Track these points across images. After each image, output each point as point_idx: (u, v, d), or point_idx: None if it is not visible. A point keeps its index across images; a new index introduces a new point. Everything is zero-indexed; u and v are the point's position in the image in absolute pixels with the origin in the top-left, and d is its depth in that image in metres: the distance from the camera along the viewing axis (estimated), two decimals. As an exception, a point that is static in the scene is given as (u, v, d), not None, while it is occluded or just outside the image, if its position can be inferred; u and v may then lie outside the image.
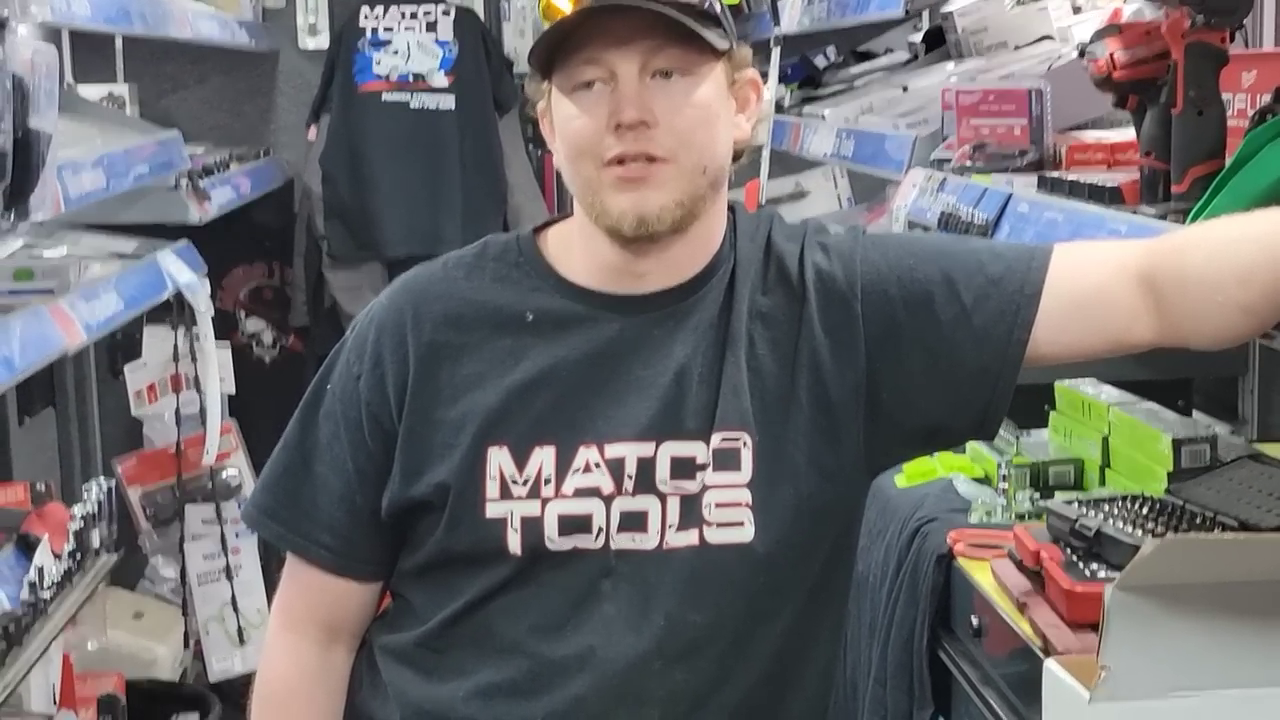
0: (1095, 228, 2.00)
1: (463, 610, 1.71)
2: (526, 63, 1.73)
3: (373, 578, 1.80)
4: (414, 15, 5.14)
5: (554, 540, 1.68)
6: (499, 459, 1.68)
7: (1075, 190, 2.19)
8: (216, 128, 5.38)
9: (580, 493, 1.68)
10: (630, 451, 1.68)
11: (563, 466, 1.68)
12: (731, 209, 1.78)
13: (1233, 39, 1.93)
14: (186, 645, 4.11)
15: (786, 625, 1.72)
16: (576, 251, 1.74)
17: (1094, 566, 1.93)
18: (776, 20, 4.18)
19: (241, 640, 4.17)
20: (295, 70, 5.48)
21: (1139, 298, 1.63)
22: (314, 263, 5.21)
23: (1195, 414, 2.86)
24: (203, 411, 4.01)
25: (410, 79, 5.10)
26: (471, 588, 1.71)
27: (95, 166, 3.00)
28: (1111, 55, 1.99)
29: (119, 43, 5.14)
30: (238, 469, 4.28)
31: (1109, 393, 2.56)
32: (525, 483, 1.68)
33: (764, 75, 4.16)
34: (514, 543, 1.68)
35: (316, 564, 1.78)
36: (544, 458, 1.68)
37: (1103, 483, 2.46)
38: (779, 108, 4.26)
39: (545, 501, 1.68)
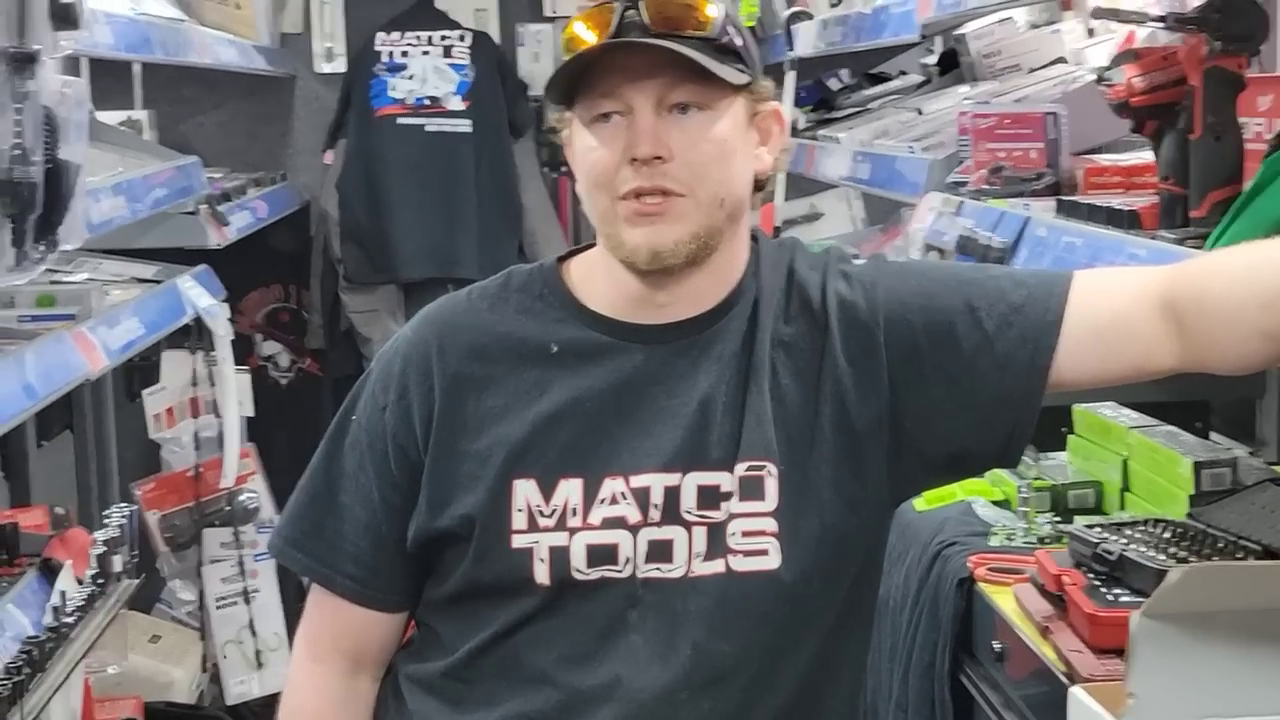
0: (1114, 252, 2.01)
1: (490, 641, 1.72)
2: (544, 93, 1.74)
3: (398, 608, 1.80)
4: (430, 40, 5.17)
5: (582, 571, 1.68)
6: (525, 491, 1.69)
7: (1094, 214, 2.20)
8: (233, 152, 5.42)
9: (607, 523, 1.68)
10: (656, 481, 1.68)
11: (589, 497, 1.69)
12: (755, 238, 1.79)
13: (1250, 64, 1.94)
14: (204, 669, 4.11)
15: (812, 653, 1.72)
16: (600, 281, 1.75)
17: (1117, 591, 1.94)
18: (791, 44, 4.20)
19: (259, 663, 4.18)
20: (312, 94, 5.51)
21: (1160, 324, 1.64)
22: (330, 286, 5.23)
23: (1213, 436, 2.86)
24: (221, 435, 4.03)
25: (426, 103, 5.13)
26: (499, 618, 1.71)
27: (115, 192, 3.02)
28: (1130, 81, 2.00)
29: (137, 68, 5.18)
30: (256, 492, 4.29)
31: (1128, 415, 2.56)
32: (552, 514, 1.69)
33: (778, 98, 4.18)
34: (541, 573, 1.69)
35: (342, 594, 1.79)
36: (570, 489, 1.69)
37: (1122, 506, 2.46)
38: (793, 130, 4.27)
39: (573, 532, 1.68)
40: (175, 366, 4.16)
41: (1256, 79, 2.26)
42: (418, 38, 5.17)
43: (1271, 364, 1.57)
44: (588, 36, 1.68)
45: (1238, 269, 1.58)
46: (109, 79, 5.00)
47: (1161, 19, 2.00)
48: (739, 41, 1.71)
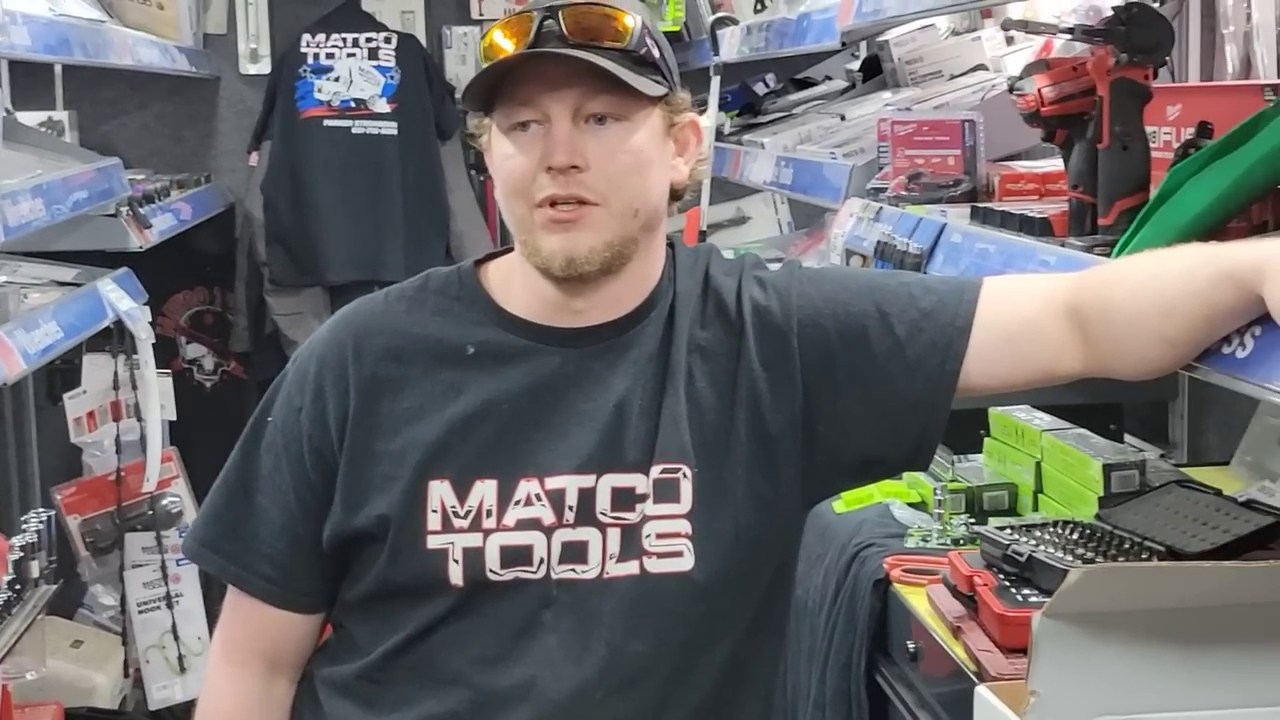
0: (1025, 259, 2.04)
1: (404, 642, 1.73)
2: (462, 99, 1.75)
3: (314, 609, 1.81)
4: (356, 42, 5.15)
5: (496, 571, 1.69)
6: (440, 492, 1.70)
7: (1006, 221, 2.24)
8: (157, 153, 5.37)
9: (522, 524, 1.70)
10: (571, 483, 1.70)
11: (504, 499, 1.70)
12: (671, 244, 1.81)
13: (1156, 75, 1.98)
14: (126, 674, 4.08)
15: (727, 654, 1.74)
16: (517, 285, 1.77)
17: (1026, 591, 1.98)
18: (716, 49, 4.22)
19: (182, 668, 4.15)
20: (237, 96, 5.47)
21: (1066, 330, 1.67)
22: (255, 288, 5.20)
23: (1127, 438, 2.91)
24: (143, 439, 4.00)
25: (352, 105, 5.11)
26: (413, 619, 1.72)
27: (34, 194, 2.99)
28: (1040, 91, 2.03)
29: (58, 69, 5.13)
30: (178, 496, 4.26)
31: (1042, 419, 2.61)
32: (467, 515, 1.70)
33: (704, 103, 4.21)
34: (456, 574, 1.70)
35: (258, 596, 1.79)
36: (485, 490, 1.70)
37: (1036, 508, 2.50)
38: (719, 135, 4.30)
39: (487, 533, 1.70)
40: (96, 370, 4.12)
41: (1165, 89, 2.31)
42: (343, 39, 5.15)
43: (1173, 369, 1.60)
44: (505, 45, 1.69)
45: (1140, 277, 1.61)
46: (29, 79, 4.95)
47: (1069, 31, 2.03)
48: (656, 53, 1.72)
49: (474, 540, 1.70)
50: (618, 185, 1.68)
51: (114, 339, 3.95)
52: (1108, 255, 1.85)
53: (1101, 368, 1.67)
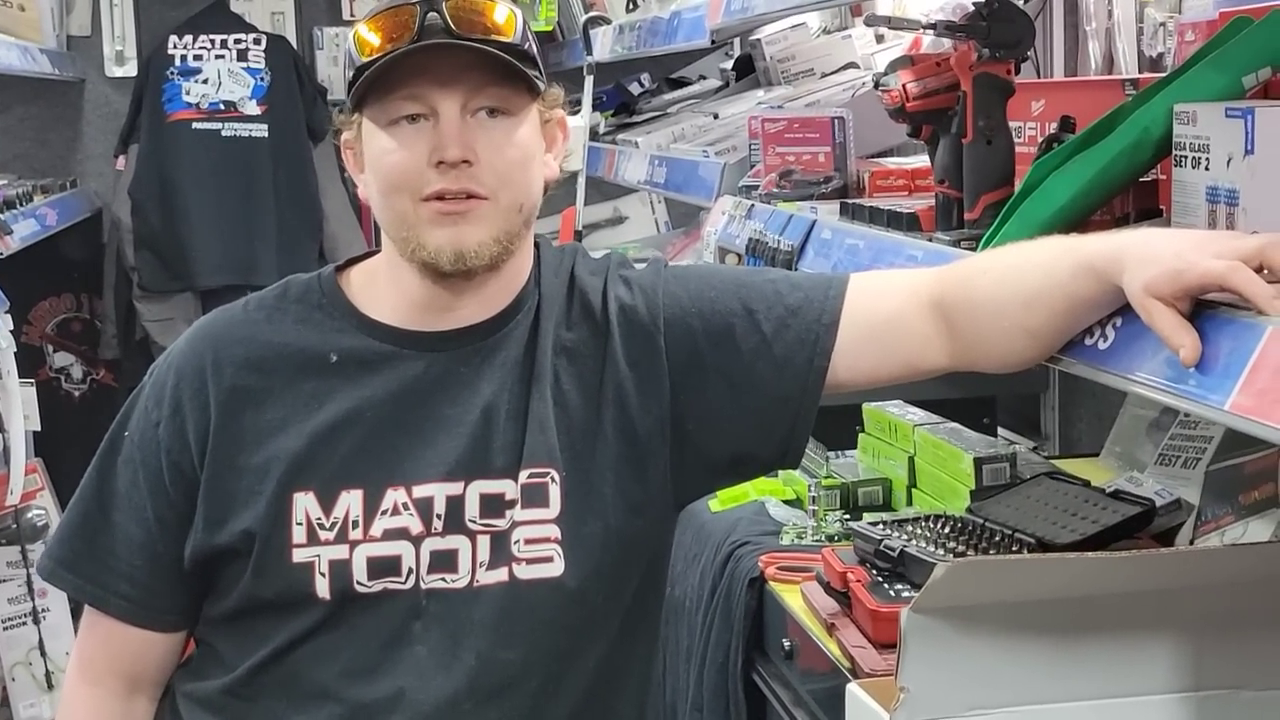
0: (894, 254, 2.04)
1: (271, 656, 1.69)
2: (347, 93, 1.70)
3: (175, 627, 1.76)
4: (224, 43, 5.07)
5: (363, 583, 1.66)
6: (305, 504, 1.66)
7: (875, 217, 2.24)
8: (20, 157, 5.25)
9: (389, 534, 1.66)
10: (438, 491, 1.67)
11: (370, 509, 1.66)
12: (536, 244, 1.78)
13: (1018, 70, 1.99)
14: (-8, 692, 3.98)
15: (599, 659, 1.72)
16: (382, 289, 1.73)
17: (899, 587, 1.98)
18: (589, 48, 4.21)
19: (50, 685, 4.05)
20: (103, 99, 5.36)
21: (931, 324, 1.67)
22: (124, 294, 5.09)
23: (1001, 431, 2.94)
24: (5, 451, 3.89)
25: (221, 107, 5.02)
26: (280, 634, 1.68)
27: (-115, 201, 2.90)
28: (904, 86, 2.03)
29: (-86, 71, 4.98)
30: (44, 509, 4.15)
31: (915, 413, 2.62)
32: (332, 527, 1.66)
33: (578, 102, 4.19)
34: (322, 587, 1.66)
35: (116, 615, 1.74)
36: (351, 501, 1.66)
37: (910, 502, 2.51)
38: (594, 135, 4.28)
39: (354, 545, 1.66)
40: (-44, 380, 4.00)
41: (1029, 84, 2.33)
42: (211, 41, 5.06)
43: (1037, 361, 1.61)
44: (374, 40, 1.65)
45: (1002, 269, 1.62)
46: (-117, 83, 4.81)
47: (932, 26, 2.04)
48: (534, 49, 1.71)
49: (340, 552, 1.66)
50: (506, 180, 1.66)
51: (-27, 348, 3.83)
52: (974, 249, 1.86)
53: (966, 360, 1.68)
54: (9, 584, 4.03)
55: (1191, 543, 2.11)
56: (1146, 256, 1.40)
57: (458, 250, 1.64)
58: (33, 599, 4.02)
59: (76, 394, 5.39)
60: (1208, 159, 1.52)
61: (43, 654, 4.03)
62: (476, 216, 1.65)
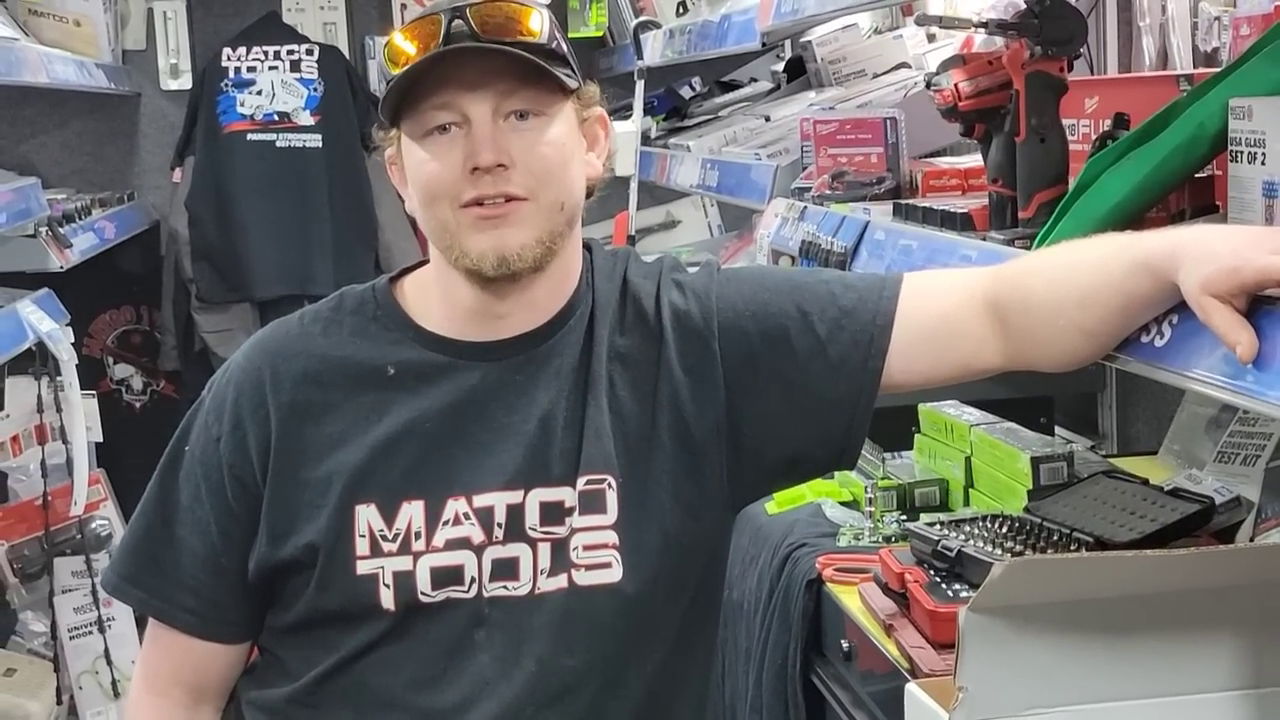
0: (948, 253, 2.04)
1: (336, 666, 1.70)
2: (379, 110, 1.72)
3: (239, 638, 1.78)
4: (278, 55, 5.11)
5: (427, 593, 1.67)
6: (367, 516, 1.67)
7: (928, 217, 2.24)
8: (78, 172, 5.31)
9: (451, 544, 1.67)
10: (499, 500, 1.68)
11: (432, 520, 1.67)
12: (588, 247, 1.79)
13: (1071, 68, 1.98)
14: (60, 701, 4.02)
15: (657, 664, 1.72)
16: (434, 299, 1.74)
17: (956, 587, 1.97)
18: (640, 53, 4.21)
19: (116, 693, 4.10)
20: (158, 112, 5.41)
21: (986, 324, 1.67)
22: (183, 306, 5.14)
23: (1058, 431, 2.92)
24: (69, 461, 3.94)
25: (276, 118, 5.06)
26: (345, 644, 1.69)
27: (-51, 217, 2.94)
28: (956, 86, 2.03)
29: (-27, 89, 5.05)
30: (108, 519, 4.21)
31: (970, 413, 2.61)
32: (395, 538, 1.67)
33: (630, 107, 4.20)
34: (387, 598, 1.67)
35: (181, 628, 1.76)
36: (413, 512, 1.67)
37: (967, 502, 2.50)
38: (645, 139, 4.29)
39: (417, 556, 1.67)
40: (20, 393, 4.06)
41: (1082, 82, 2.32)
42: (265, 52, 5.10)
43: (1092, 360, 1.60)
44: (410, 49, 1.67)
45: (1056, 268, 1.61)
46: (-55, 100, 4.88)
47: (984, 25, 2.03)
48: (565, 47, 1.71)
49: (404, 563, 1.67)
50: (543, 179, 1.66)
51: (36, 361, 3.89)
52: (1028, 248, 1.85)
53: (1022, 360, 1.67)
54: (74, 594, 4.08)
55: (1252, 540, 2.09)
56: (1202, 253, 1.39)
57: (500, 254, 1.65)
58: (98, 608, 4.07)
59: (137, 405, 5.44)
60: (1264, 154, 1.51)
61: (109, 662, 4.09)
62: (517, 219, 1.65)
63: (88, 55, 4.75)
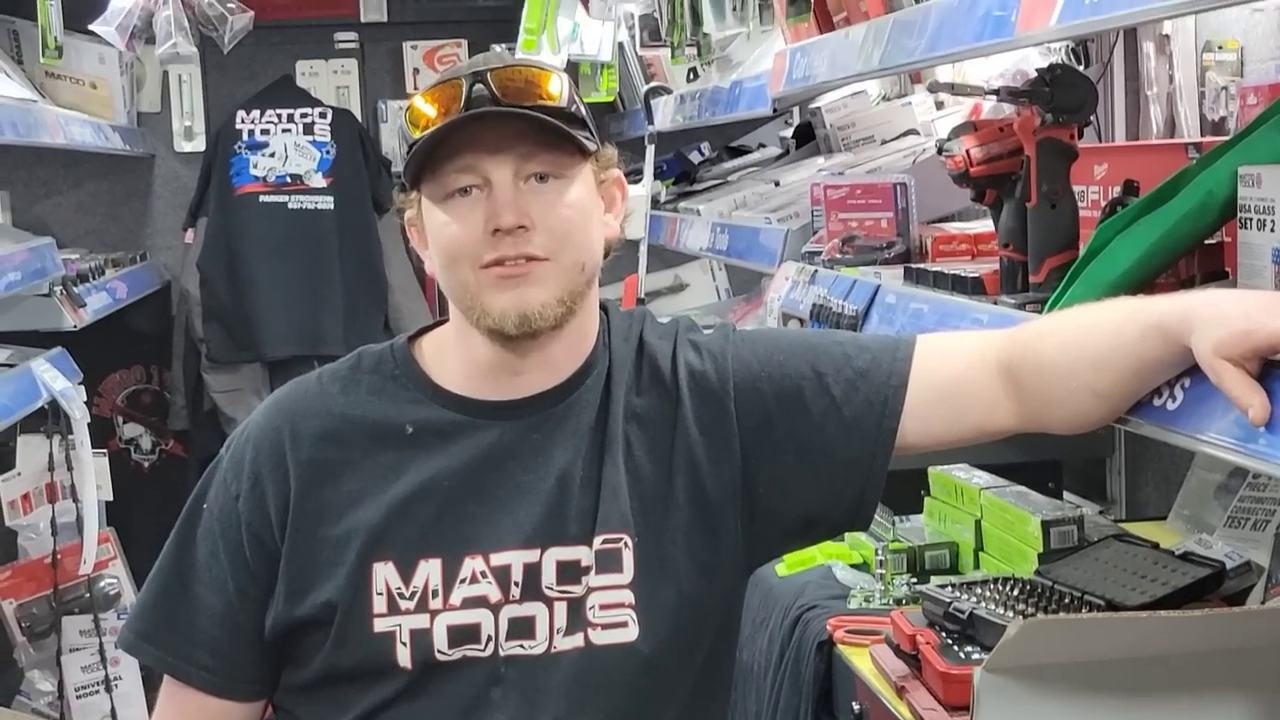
0: (959, 317, 2.06)
1: None
2: (402, 172, 1.74)
3: (255, 696, 1.78)
4: (291, 118, 5.16)
5: (444, 652, 1.68)
6: (385, 574, 1.68)
7: (939, 281, 2.26)
8: (92, 232, 5.36)
9: (468, 603, 1.68)
10: (516, 559, 1.69)
11: (449, 578, 1.68)
12: (604, 308, 1.81)
13: (1081, 135, 2.01)
14: (65, 760, 4.02)
15: (671, 723, 1.72)
16: (452, 358, 1.76)
17: (969, 649, 1.97)
18: (650, 118, 4.25)
19: (121, 753, 4.09)
20: (172, 174, 5.47)
21: (999, 386, 1.68)
22: (192, 366, 5.17)
23: (1066, 495, 2.93)
24: (79, 520, 3.95)
25: (288, 180, 5.11)
26: (361, 702, 1.70)
27: (-34, 276, 2.97)
28: (968, 152, 2.06)
29: (-10, 149, 5.10)
30: (116, 578, 4.21)
31: (980, 477, 2.62)
32: (412, 596, 1.68)
33: (640, 171, 4.24)
34: (404, 656, 1.68)
35: (197, 686, 1.76)
36: (430, 570, 1.68)
37: (977, 565, 2.51)
38: (655, 203, 4.32)
39: (434, 614, 1.68)
40: (31, 451, 4.07)
41: (1092, 149, 2.35)
42: (278, 115, 5.15)
43: (1105, 422, 1.62)
44: (424, 116, 1.69)
45: (1070, 331, 1.63)
46: (-39, 160, 4.93)
47: (995, 92, 2.06)
48: (583, 110, 1.74)
49: (421, 621, 1.68)
50: (564, 240, 1.68)
51: (49, 419, 3.91)
52: (1039, 312, 1.87)
53: (1035, 422, 1.69)
54: (82, 652, 4.08)
55: (1263, 604, 2.10)
56: (1215, 317, 1.41)
57: (522, 312, 1.67)
58: (105, 667, 4.07)
59: (146, 464, 5.46)
60: (1273, 221, 1.54)
61: (115, 721, 4.07)
62: (537, 278, 1.67)
63: (103, 117, 4.81)
